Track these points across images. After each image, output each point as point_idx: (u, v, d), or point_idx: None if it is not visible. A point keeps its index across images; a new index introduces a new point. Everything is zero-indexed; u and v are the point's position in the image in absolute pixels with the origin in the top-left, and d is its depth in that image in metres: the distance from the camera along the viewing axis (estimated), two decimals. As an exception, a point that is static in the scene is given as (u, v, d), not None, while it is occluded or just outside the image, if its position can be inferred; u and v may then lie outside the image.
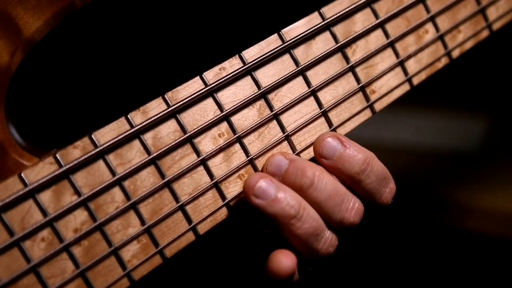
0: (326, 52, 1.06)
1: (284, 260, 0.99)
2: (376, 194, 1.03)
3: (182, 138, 0.97)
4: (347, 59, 1.07)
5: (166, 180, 0.95)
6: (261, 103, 1.02)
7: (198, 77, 0.98)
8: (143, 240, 0.94)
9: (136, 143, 0.94)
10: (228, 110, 0.99)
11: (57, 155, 0.90)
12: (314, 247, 1.00)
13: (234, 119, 1.00)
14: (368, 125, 1.12)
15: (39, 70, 1.04)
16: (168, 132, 0.96)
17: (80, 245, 0.91)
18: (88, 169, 0.92)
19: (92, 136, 0.92)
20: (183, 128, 0.97)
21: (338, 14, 1.06)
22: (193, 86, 0.98)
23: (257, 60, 1.01)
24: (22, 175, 0.88)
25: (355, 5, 1.07)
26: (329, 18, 1.05)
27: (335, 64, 1.07)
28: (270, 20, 1.23)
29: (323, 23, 1.05)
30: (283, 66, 1.03)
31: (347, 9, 1.06)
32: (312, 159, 1.03)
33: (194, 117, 0.98)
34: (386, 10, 1.10)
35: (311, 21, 1.05)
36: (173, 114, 0.97)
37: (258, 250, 1.02)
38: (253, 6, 1.50)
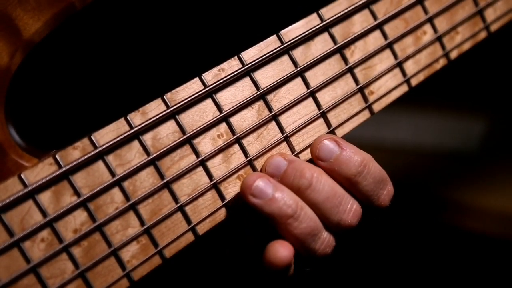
0: (324, 53, 1.06)
1: (281, 250, 0.99)
2: (373, 196, 1.03)
3: (181, 139, 0.97)
4: (345, 60, 1.07)
5: (165, 180, 0.96)
6: (260, 104, 1.02)
7: (197, 78, 0.99)
8: (143, 241, 0.95)
9: (136, 144, 0.95)
10: (227, 111, 1.00)
11: (56, 156, 0.90)
12: (311, 247, 1.00)
13: (233, 120, 1.01)
14: (368, 125, 1.12)
15: (39, 71, 1.04)
16: (168, 133, 0.97)
17: (79, 245, 0.91)
18: (88, 169, 0.92)
19: (92, 137, 0.92)
20: (182, 129, 0.97)
21: (336, 15, 1.06)
22: (192, 87, 0.98)
23: (256, 61, 1.01)
24: (22, 176, 0.88)
25: (353, 7, 1.07)
26: (328, 19, 1.06)
27: (333, 65, 1.07)
28: (269, 21, 1.24)
29: (321, 24, 1.05)
30: (282, 67, 1.04)
31: (346, 10, 1.07)
32: (311, 161, 1.04)
33: (193, 118, 0.98)
34: (385, 11, 1.10)
35: (310, 22, 1.05)
36: (172, 115, 0.97)
37: (256, 249, 1.02)
38: (252, 8, 1.50)
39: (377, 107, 1.10)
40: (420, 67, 1.13)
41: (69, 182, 0.91)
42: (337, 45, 1.07)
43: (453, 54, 1.16)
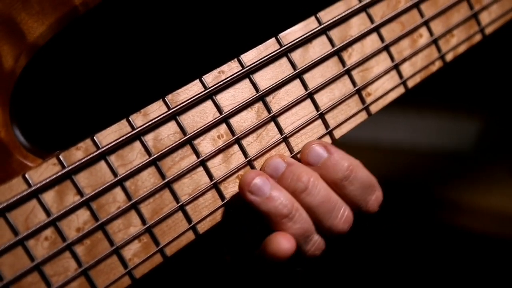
0: (322, 56, 1.07)
1: (284, 242, 1.00)
2: (361, 201, 1.04)
3: (182, 139, 0.98)
4: (343, 62, 1.08)
5: (166, 180, 0.96)
6: (259, 105, 1.03)
7: (197, 80, 0.99)
8: (144, 239, 0.95)
9: (137, 144, 0.95)
10: (227, 112, 1.00)
11: (60, 156, 0.91)
12: (302, 248, 1.01)
13: (233, 121, 1.01)
14: (365, 126, 1.12)
15: (43, 74, 1.05)
16: (168, 133, 0.97)
17: (82, 244, 0.92)
18: (91, 170, 0.93)
19: (94, 137, 0.93)
20: (183, 130, 0.98)
21: (334, 19, 1.07)
22: (193, 89, 0.99)
23: (255, 64, 1.02)
24: (26, 175, 0.89)
25: (351, 10, 1.08)
26: (326, 22, 1.06)
27: (331, 68, 1.08)
28: (268, 24, 1.24)
29: (319, 27, 1.06)
30: (281, 69, 1.04)
31: (343, 14, 1.07)
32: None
33: (194, 119, 0.99)
34: (381, 14, 1.11)
35: (308, 25, 1.06)
36: (173, 116, 0.98)
37: (253, 246, 1.03)
38: (251, 11, 1.50)
39: (374, 108, 1.11)
40: (416, 69, 1.13)
41: (72, 182, 0.91)
42: (335, 48, 1.07)
43: (449, 57, 1.16)
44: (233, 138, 1.01)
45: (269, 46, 1.04)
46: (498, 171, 2.29)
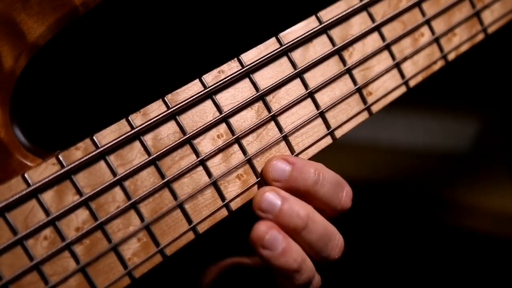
0: (323, 55, 1.06)
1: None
2: (335, 201, 1.03)
3: (181, 139, 0.98)
4: (344, 61, 1.08)
5: (166, 180, 0.96)
6: (259, 105, 1.03)
7: (197, 80, 0.99)
8: (144, 239, 0.95)
9: (137, 144, 0.95)
10: (227, 112, 1.00)
11: (59, 156, 0.91)
12: (295, 278, 1.02)
13: (233, 120, 1.01)
14: (364, 126, 1.12)
15: (43, 74, 1.05)
16: (168, 133, 0.97)
17: (81, 243, 0.92)
18: (90, 169, 0.93)
19: (94, 137, 0.93)
20: (182, 130, 0.98)
21: (335, 18, 1.07)
22: (193, 88, 0.99)
23: (255, 63, 1.02)
24: (26, 175, 0.89)
25: (352, 9, 1.08)
26: (326, 21, 1.06)
27: (332, 67, 1.07)
28: (268, 23, 1.24)
29: (320, 26, 1.06)
30: (281, 68, 1.04)
31: (344, 13, 1.07)
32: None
33: (194, 119, 0.99)
34: (383, 13, 1.11)
35: (309, 24, 1.06)
36: (173, 115, 0.97)
37: (251, 253, 1.03)
38: (252, 10, 1.50)
39: (375, 107, 1.10)
40: (418, 68, 1.13)
41: (71, 182, 0.91)
42: (336, 47, 1.07)
43: (451, 56, 1.16)
44: (233, 138, 1.01)
45: (269, 45, 1.03)
46: (498, 171, 2.29)
